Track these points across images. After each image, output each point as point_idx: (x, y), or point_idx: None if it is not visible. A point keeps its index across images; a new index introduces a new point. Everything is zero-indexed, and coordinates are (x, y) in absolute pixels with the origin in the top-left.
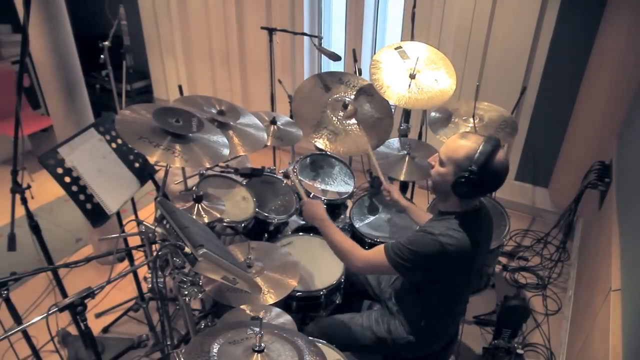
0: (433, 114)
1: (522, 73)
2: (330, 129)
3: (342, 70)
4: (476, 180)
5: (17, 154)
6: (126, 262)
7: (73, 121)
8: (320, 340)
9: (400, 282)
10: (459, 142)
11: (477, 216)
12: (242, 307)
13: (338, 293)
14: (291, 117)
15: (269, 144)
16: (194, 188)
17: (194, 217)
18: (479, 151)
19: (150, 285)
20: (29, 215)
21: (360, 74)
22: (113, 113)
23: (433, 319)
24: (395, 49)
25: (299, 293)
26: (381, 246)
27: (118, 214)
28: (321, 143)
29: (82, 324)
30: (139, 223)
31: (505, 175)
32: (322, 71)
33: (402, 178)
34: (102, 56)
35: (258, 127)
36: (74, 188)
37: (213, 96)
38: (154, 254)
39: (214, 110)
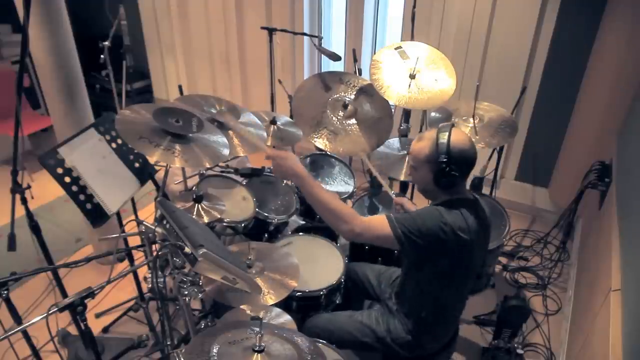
0: (433, 114)
1: (522, 73)
2: (330, 128)
3: (342, 70)
4: (450, 166)
5: (17, 154)
6: (126, 262)
7: (73, 121)
8: (320, 340)
9: (400, 280)
10: (419, 144)
11: (474, 205)
12: (242, 307)
13: (338, 293)
14: (291, 117)
15: (269, 143)
16: (194, 188)
17: (194, 217)
18: (438, 141)
19: (150, 285)
20: (29, 215)
21: (360, 74)
22: (113, 113)
23: (432, 313)
24: (395, 49)
25: (299, 293)
26: (383, 216)
27: (118, 214)
28: (321, 143)
29: (82, 324)
30: (139, 223)
31: (473, 149)
32: (322, 71)
33: (402, 178)
34: (102, 56)
35: (258, 127)
36: (74, 188)
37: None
38: (154, 254)
39: (213, 110)
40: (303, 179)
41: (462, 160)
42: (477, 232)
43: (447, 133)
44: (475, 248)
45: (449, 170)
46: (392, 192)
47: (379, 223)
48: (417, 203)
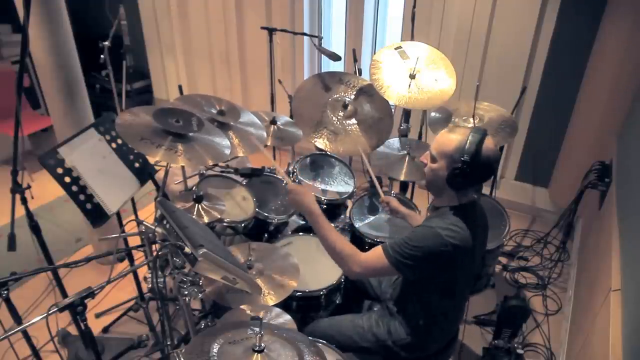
0: (433, 114)
1: (522, 73)
2: (330, 128)
3: (342, 70)
4: (469, 170)
5: (17, 154)
6: (126, 262)
7: (73, 121)
8: (321, 341)
9: (399, 282)
10: (448, 136)
11: (473, 209)
12: (242, 307)
13: (338, 293)
14: (291, 117)
15: (268, 143)
16: (194, 188)
17: (194, 217)
18: (468, 141)
19: (150, 285)
20: (29, 215)
21: (360, 74)
22: (113, 113)
23: (432, 318)
24: (395, 49)
25: (299, 293)
26: (379, 247)
27: (118, 214)
28: (321, 143)
29: (82, 324)
30: (139, 223)
31: (497, 162)
32: (322, 71)
33: (402, 178)
34: (102, 56)
35: (258, 127)
36: (74, 188)
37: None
38: (154, 254)
39: (214, 110)
40: (316, 217)
41: (484, 169)
42: (477, 236)
43: (480, 136)
44: (477, 253)
45: (466, 174)
46: (383, 189)
47: (375, 256)
48: (417, 203)
